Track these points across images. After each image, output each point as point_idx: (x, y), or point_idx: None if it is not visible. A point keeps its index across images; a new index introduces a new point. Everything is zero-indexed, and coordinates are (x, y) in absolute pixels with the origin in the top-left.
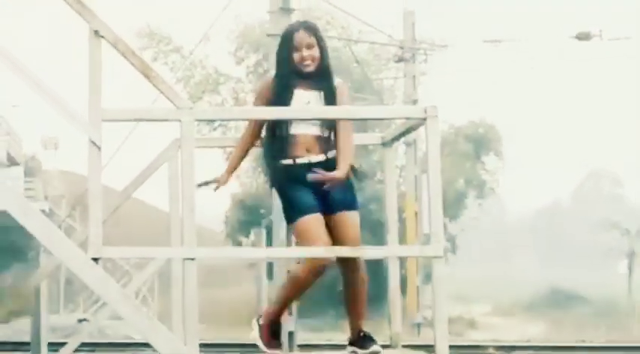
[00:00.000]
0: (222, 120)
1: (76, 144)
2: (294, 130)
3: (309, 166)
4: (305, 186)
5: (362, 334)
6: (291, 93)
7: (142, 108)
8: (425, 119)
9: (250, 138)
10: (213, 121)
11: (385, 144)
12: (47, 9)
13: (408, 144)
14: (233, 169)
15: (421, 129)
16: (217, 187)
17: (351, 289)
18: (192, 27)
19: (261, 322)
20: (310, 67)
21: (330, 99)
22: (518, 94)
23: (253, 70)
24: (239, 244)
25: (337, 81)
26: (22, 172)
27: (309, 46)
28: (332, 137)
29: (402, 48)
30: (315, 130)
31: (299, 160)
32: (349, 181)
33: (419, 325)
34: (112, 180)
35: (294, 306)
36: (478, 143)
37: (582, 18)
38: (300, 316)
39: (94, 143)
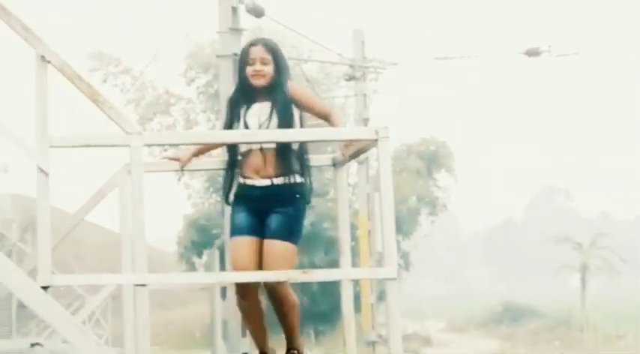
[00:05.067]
0: (172, 145)
1: (27, 167)
2: (244, 147)
3: (254, 189)
4: (248, 207)
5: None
6: (247, 107)
7: (90, 134)
8: (376, 140)
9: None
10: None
11: (336, 165)
12: None
13: (359, 162)
14: (198, 153)
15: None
16: (181, 166)
17: (278, 316)
18: (141, 48)
19: None
20: (261, 81)
21: (283, 110)
22: (468, 111)
23: (204, 91)
24: (192, 264)
25: (288, 85)
26: None
27: (264, 62)
28: (289, 154)
29: (352, 66)
30: (265, 149)
31: (247, 182)
32: (296, 212)
33: (374, 343)
34: (64, 203)
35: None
36: (430, 160)
37: (532, 33)
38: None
39: (41, 170)
